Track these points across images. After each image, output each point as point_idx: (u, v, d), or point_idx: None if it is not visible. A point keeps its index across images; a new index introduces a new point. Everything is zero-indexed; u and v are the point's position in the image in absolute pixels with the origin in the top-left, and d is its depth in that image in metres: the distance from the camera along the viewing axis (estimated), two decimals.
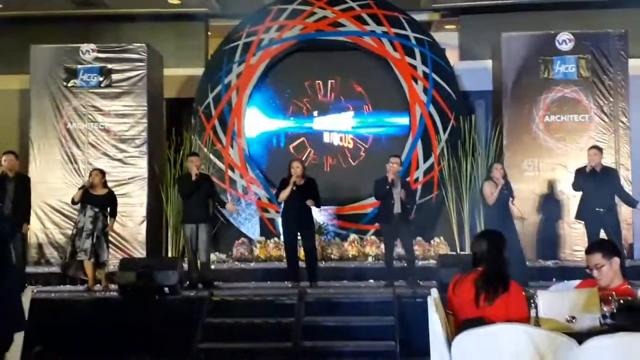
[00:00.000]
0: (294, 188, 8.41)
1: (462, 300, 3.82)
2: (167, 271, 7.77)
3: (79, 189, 8.75)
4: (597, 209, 8.45)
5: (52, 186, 10.59)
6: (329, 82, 11.53)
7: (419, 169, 11.05)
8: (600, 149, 8.82)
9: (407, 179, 10.09)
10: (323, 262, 9.73)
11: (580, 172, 8.73)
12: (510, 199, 8.56)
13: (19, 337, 3.71)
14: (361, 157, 11.42)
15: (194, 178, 8.65)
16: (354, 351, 6.79)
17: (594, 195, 8.50)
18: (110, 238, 9.11)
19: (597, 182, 8.49)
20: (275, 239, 10.71)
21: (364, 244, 10.57)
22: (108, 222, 8.70)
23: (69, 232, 10.51)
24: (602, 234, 8.45)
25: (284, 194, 8.50)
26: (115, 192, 9.08)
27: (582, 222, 8.87)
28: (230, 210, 9.58)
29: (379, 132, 11.46)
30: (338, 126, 11.49)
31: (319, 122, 11.52)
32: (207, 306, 7.27)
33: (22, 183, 8.75)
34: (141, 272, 7.77)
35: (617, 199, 8.84)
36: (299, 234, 8.60)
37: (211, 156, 11.10)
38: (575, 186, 8.79)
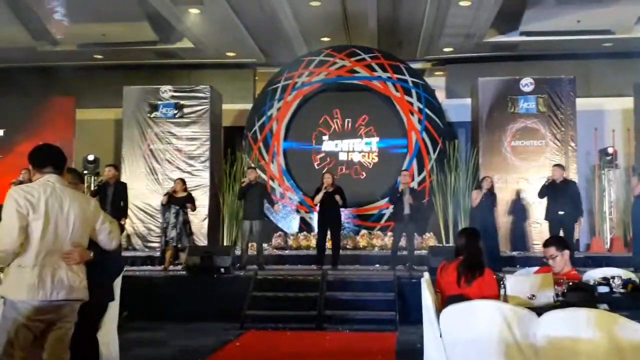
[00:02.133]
0: (324, 193, 8.40)
1: (447, 281, 3.78)
2: (223, 256, 7.82)
3: (165, 194, 8.72)
4: (559, 212, 8.27)
5: (138, 192, 10.71)
6: (346, 114, 11.48)
7: (414, 181, 10.95)
8: (560, 166, 8.71)
9: (415, 187, 9.96)
10: (340, 250, 9.69)
11: (544, 184, 8.58)
12: (494, 204, 8.58)
13: (115, 306, 3.70)
14: (369, 171, 11.34)
15: (252, 182, 8.60)
16: (363, 319, 6.77)
17: (555, 201, 8.33)
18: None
19: (557, 191, 8.33)
20: (305, 232, 10.69)
21: (371, 237, 10.52)
22: (188, 217, 8.62)
23: (151, 225, 10.69)
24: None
25: (318, 198, 8.50)
26: None
27: (548, 222, 8.62)
28: (276, 211, 9.99)
29: (384, 153, 11.37)
30: (354, 147, 11.40)
31: (338, 145, 11.45)
32: (252, 283, 7.30)
33: (120, 188, 8.80)
34: (204, 256, 7.84)
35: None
36: (329, 230, 8.55)
37: (257, 170, 11.09)
38: (539, 194, 8.65)
